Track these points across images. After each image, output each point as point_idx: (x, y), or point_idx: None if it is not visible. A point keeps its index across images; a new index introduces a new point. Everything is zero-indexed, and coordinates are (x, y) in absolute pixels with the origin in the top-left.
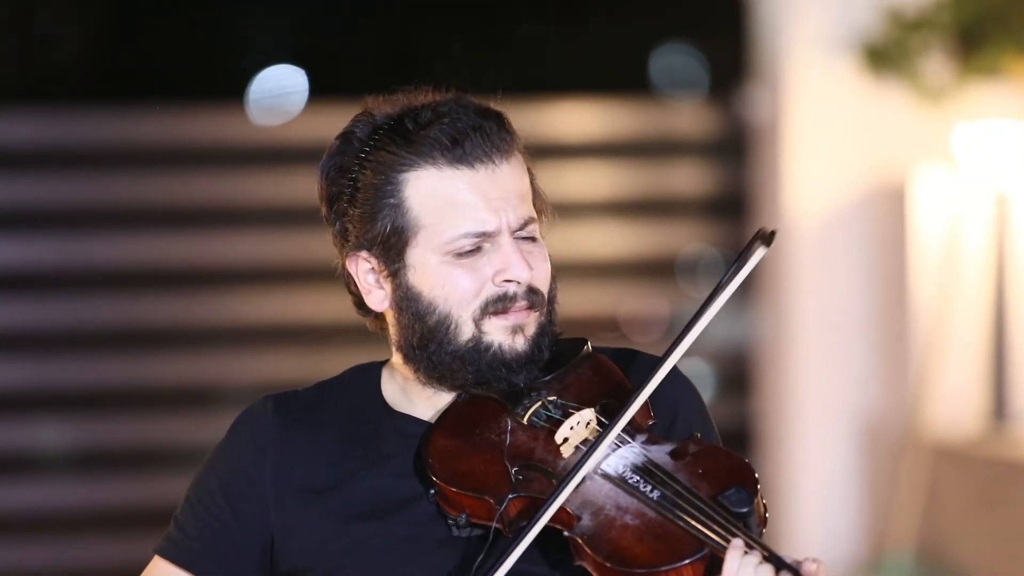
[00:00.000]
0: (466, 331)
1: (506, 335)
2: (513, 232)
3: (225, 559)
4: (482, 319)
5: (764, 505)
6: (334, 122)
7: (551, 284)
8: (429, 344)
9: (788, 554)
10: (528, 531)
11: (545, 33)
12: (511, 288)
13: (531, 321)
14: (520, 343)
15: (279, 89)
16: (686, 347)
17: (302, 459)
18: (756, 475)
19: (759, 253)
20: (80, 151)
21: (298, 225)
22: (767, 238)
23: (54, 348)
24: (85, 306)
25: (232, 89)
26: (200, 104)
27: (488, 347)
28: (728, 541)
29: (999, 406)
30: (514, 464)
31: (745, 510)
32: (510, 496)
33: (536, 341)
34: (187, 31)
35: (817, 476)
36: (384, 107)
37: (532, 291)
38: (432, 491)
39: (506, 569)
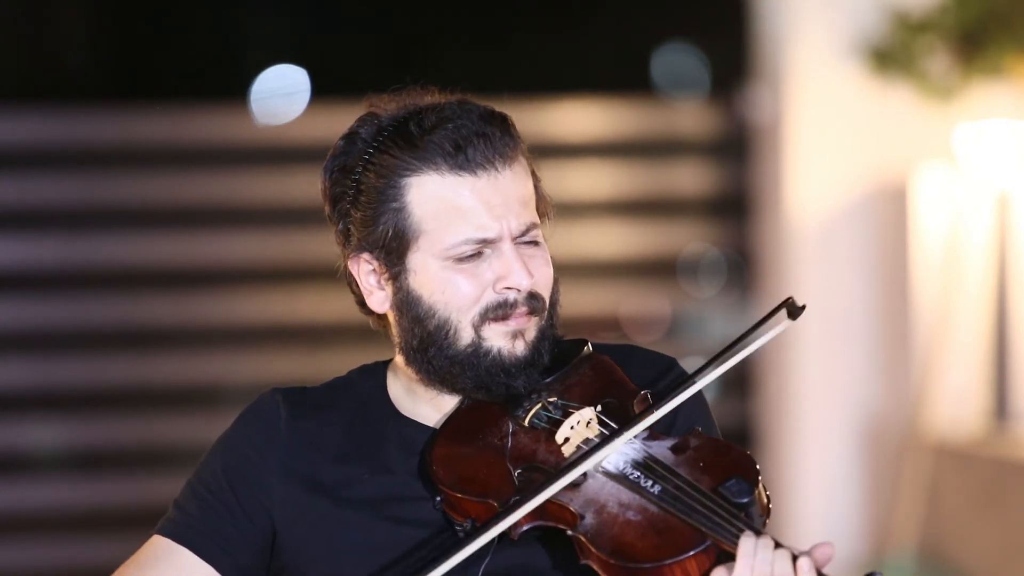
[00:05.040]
0: (465, 336)
1: (506, 340)
2: (515, 238)
3: (225, 540)
4: (482, 325)
5: (767, 496)
6: (336, 122)
7: (553, 288)
8: (429, 348)
9: (796, 548)
10: (522, 505)
11: (547, 33)
12: (511, 295)
13: (531, 326)
14: (520, 348)
15: (281, 89)
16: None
17: (308, 454)
18: (757, 466)
19: (782, 325)
20: (81, 151)
21: (298, 225)
22: (794, 311)
23: (54, 348)
24: (86, 306)
25: (234, 89)
26: (202, 104)
27: (487, 352)
28: (730, 532)
29: (1001, 405)
30: (517, 466)
31: (746, 500)
32: (513, 498)
33: (536, 346)
34: (189, 31)
35: (819, 476)
36: (389, 107)
37: (533, 297)
38: (439, 498)
39: (480, 544)
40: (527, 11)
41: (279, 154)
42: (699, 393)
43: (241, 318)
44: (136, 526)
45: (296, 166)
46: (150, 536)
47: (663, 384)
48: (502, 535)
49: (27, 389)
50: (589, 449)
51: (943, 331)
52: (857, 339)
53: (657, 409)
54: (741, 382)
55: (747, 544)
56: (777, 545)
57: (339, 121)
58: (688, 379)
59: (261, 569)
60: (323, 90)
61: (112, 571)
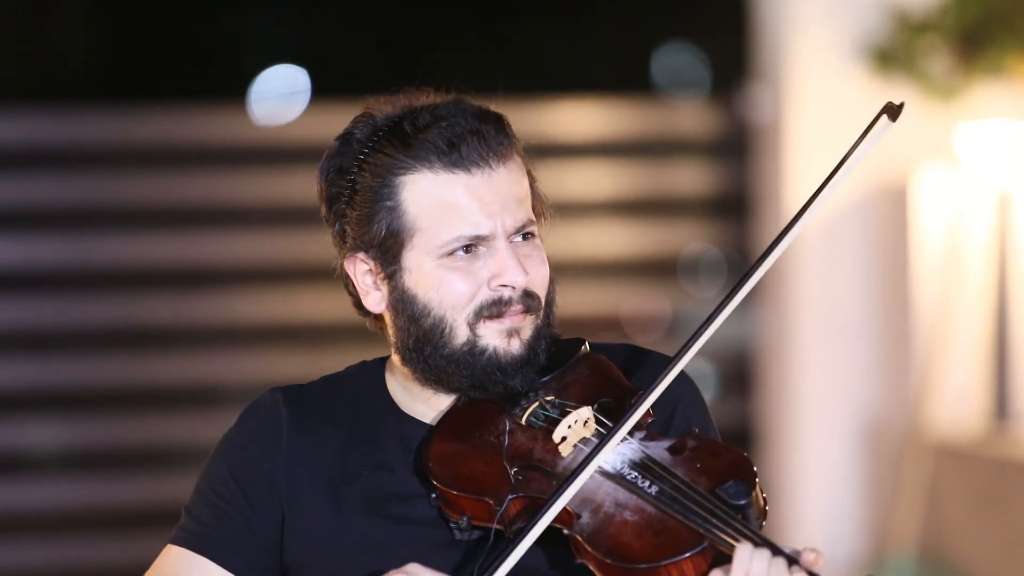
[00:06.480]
0: (461, 334)
1: (501, 339)
2: (509, 236)
3: (244, 546)
4: (477, 323)
5: (763, 498)
6: (336, 122)
7: (549, 287)
8: (425, 347)
9: (788, 547)
10: (528, 531)
11: (547, 32)
12: (506, 292)
13: (527, 325)
14: (515, 347)
15: (281, 89)
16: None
17: (309, 453)
18: (754, 468)
19: (883, 126)
20: (81, 151)
21: (298, 225)
22: (894, 111)
23: (54, 348)
24: (86, 306)
25: (234, 89)
26: (202, 104)
27: (483, 351)
28: (727, 533)
29: (1001, 405)
30: (513, 465)
31: (743, 502)
32: (510, 497)
33: (532, 345)
34: (189, 31)
35: (819, 476)
36: (384, 108)
37: (528, 295)
38: (434, 495)
39: (507, 569)
40: (527, 11)
41: (279, 154)
42: (696, 392)
43: (241, 318)
44: (136, 526)
45: (296, 166)
46: (165, 546)
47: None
48: (499, 533)
49: (27, 389)
50: (600, 441)
51: (943, 331)
52: (857, 339)
53: (687, 351)
54: (742, 382)
55: (743, 552)
56: (774, 553)
57: (339, 121)
58: (686, 381)
59: (277, 568)
60: (323, 90)
61: (111, 571)
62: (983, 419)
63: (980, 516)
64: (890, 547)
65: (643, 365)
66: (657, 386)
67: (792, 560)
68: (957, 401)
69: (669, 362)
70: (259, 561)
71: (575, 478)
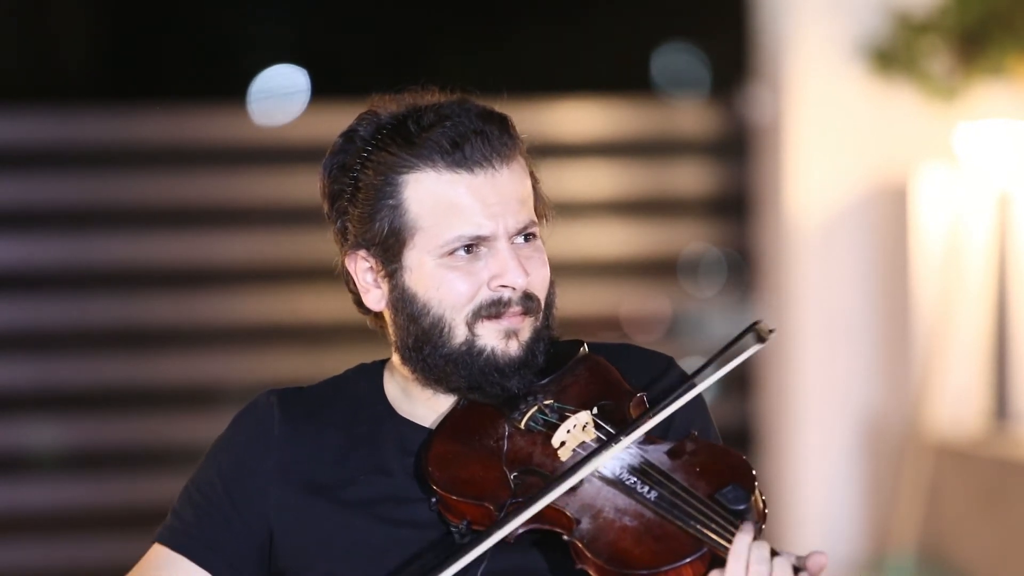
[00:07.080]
0: (459, 334)
1: (499, 339)
2: (511, 237)
3: (223, 549)
4: (475, 322)
5: (763, 502)
6: (335, 122)
7: (549, 290)
8: (424, 346)
9: (790, 552)
10: (516, 517)
11: (547, 32)
12: (506, 293)
13: (526, 326)
14: (513, 348)
15: (280, 89)
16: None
17: (305, 456)
18: (754, 472)
19: (753, 348)
20: (81, 151)
21: (298, 225)
22: (762, 335)
23: (54, 348)
24: (86, 306)
25: (233, 89)
26: (201, 104)
27: (481, 351)
28: (726, 539)
29: (1001, 405)
30: (513, 469)
31: (742, 507)
32: (509, 501)
33: (530, 346)
34: (189, 31)
35: (819, 475)
36: (389, 107)
37: (528, 297)
38: (434, 499)
39: (479, 552)
40: (527, 11)
41: (278, 154)
42: (698, 394)
43: (241, 318)
44: (135, 526)
45: (295, 166)
46: (150, 542)
47: (660, 384)
48: None
49: (27, 389)
50: (587, 455)
51: (943, 331)
52: (857, 339)
53: (652, 416)
54: (741, 382)
55: (741, 543)
56: (774, 553)
57: (338, 121)
58: (683, 385)
59: (260, 573)
60: (322, 90)
61: (110, 570)
62: (983, 419)
63: (980, 516)
64: (890, 547)
65: (643, 365)
66: (661, 412)
67: (777, 555)
68: (957, 401)
69: (669, 364)
70: (242, 563)
71: (565, 479)
